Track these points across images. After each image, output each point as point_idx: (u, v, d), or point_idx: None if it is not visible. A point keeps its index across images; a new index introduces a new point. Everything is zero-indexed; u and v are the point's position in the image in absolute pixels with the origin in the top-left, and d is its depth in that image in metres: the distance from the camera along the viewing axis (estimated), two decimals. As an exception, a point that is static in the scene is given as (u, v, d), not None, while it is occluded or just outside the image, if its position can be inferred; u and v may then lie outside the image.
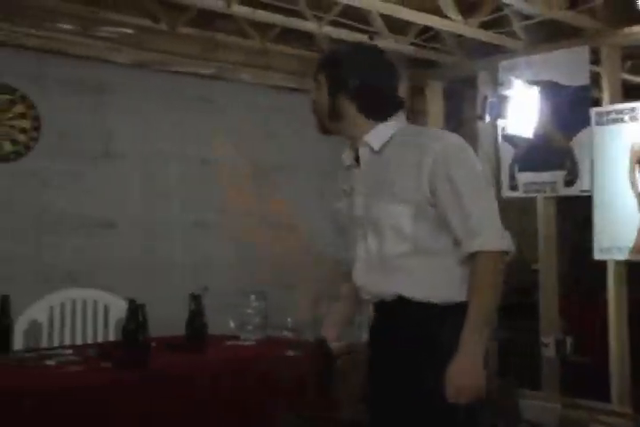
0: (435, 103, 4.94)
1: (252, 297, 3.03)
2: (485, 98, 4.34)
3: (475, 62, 4.63)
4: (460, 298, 1.84)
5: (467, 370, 1.77)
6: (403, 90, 2.21)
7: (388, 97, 2.00)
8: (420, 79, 4.93)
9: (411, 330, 1.89)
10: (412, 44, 4.42)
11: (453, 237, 1.86)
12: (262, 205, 4.59)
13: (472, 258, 1.84)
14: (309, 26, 4.01)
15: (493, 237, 1.83)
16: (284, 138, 4.63)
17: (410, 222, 1.87)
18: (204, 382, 2.39)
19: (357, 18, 4.06)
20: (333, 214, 2.10)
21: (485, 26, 4.09)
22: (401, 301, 1.90)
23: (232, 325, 3.03)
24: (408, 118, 2.04)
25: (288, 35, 4.32)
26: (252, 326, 2.99)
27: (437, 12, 3.86)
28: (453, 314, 1.83)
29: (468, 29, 4.03)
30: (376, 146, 1.95)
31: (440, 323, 1.85)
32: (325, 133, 2.05)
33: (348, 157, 2.04)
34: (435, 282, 1.88)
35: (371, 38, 4.10)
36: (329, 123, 2.01)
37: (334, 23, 4.04)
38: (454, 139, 1.93)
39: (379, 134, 1.95)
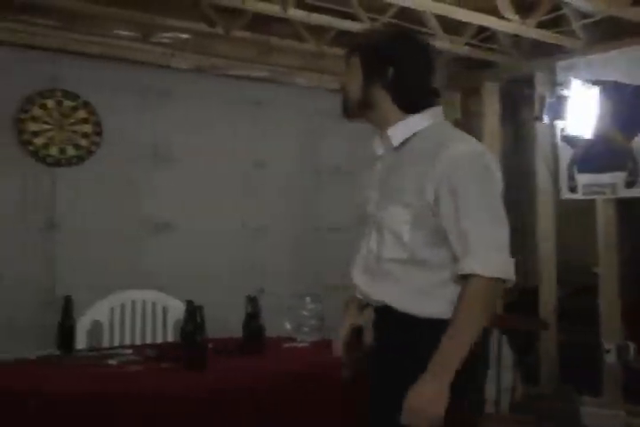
0: (491, 104, 4.87)
1: (308, 299, 3.04)
2: (543, 98, 4.28)
3: (531, 62, 4.55)
4: (449, 316, 1.72)
5: (427, 396, 1.65)
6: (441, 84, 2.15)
7: (424, 89, 1.88)
8: (476, 80, 4.87)
9: (395, 338, 1.83)
10: (467, 44, 4.38)
11: (452, 251, 1.74)
12: (315, 208, 4.60)
13: (464, 279, 1.70)
14: (364, 28, 4.00)
15: (489, 262, 1.68)
16: (337, 141, 4.63)
17: (407, 229, 1.76)
18: (262, 386, 2.36)
19: (412, 19, 4.03)
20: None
21: (542, 25, 4.02)
22: (385, 308, 1.83)
23: (288, 327, 3.04)
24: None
25: (343, 37, 4.32)
26: (308, 327, 3.00)
27: (493, 11, 3.81)
28: (438, 329, 1.70)
29: (526, 29, 3.97)
30: (396, 141, 1.85)
31: (422, 336, 1.75)
32: (350, 119, 1.95)
33: (377, 146, 1.94)
34: (425, 295, 1.77)
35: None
36: (358, 110, 1.91)
37: (389, 25, 4.02)
38: (478, 147, 1.82)
39: (404, 128, 1.84)
